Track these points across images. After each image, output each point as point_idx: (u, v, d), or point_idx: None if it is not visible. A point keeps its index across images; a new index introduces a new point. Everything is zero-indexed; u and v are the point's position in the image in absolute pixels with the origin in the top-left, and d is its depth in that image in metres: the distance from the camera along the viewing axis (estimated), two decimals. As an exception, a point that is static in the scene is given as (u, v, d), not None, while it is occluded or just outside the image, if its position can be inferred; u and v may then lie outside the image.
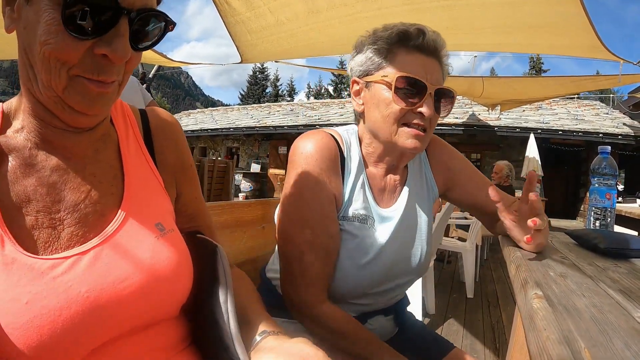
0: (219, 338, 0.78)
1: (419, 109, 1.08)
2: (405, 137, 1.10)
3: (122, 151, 0.82)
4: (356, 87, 1.18)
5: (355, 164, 1.17)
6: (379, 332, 1.21)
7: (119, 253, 0.71)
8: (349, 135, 1.21)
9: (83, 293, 0.64)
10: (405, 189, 1.24)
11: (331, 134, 1.17)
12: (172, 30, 0.73)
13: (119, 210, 0.75)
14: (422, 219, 1.26)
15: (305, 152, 1.12)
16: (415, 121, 1.09)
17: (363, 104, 1.17)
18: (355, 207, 1.15)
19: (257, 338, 0.80)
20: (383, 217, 1.18)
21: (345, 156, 1.16)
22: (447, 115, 1.16)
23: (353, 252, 1.13)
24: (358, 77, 1.17)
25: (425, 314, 3.90)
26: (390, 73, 1.09)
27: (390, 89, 1.08)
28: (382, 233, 1.16)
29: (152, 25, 0.70)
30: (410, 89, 1.07)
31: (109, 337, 0.68)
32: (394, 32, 1.10)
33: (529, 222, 0.96)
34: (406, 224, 1.22)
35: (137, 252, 0.73)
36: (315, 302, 1.10)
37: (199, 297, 0.85)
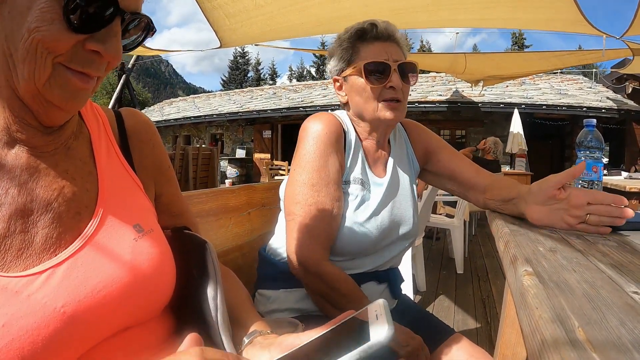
0: (207, 334, 0.76)
1: (389, 84, 1.28)
2: (385, 110, 1.30)
3: (94, 148, 0.79)
4: (337, 84, 1.41)
5: (352, 139, 1.36)
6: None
7: (98, 257, 0.68)
8: (343, 117, 1.40)
9: (59, 308, 0.61)
10: (391, 160, 1.43)
11: (334, 115, 1.36)
12: (152, 36, 0.75)
13: (97, 208, 0.72)
14: (407, 186, 1.45)
15: (316, 128, 1.29)
16: (389, 95, 1.29)
17: (346, 95, 1.39)
18: (355, 173, 1.33)
19: (246, 340, 0.80)
20: (377, 184, 1.37)
21: (346, 132, 1.35)
22: (415, 82, 1.36)
23: (355, 213, 1.29)
24: (337, 75, 1.39)
25: (416, 291, 3.93)
26: (359, 64, 1.30)
27: (362, 76, 1.29)
28: (376, 196, 1.34)
29: (137, 29, 0.72)
30: (377, 71, 1.28)
31: (95, 343, 0.66)
32: (353, 32, 1.34)
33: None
34: (394, 189, 1.40)
35: (116, 255, 0.70)
36: (320, 260, 1.23)
37: (186, 293, 0.83)
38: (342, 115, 1.40)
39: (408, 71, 1.32)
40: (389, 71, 1.27)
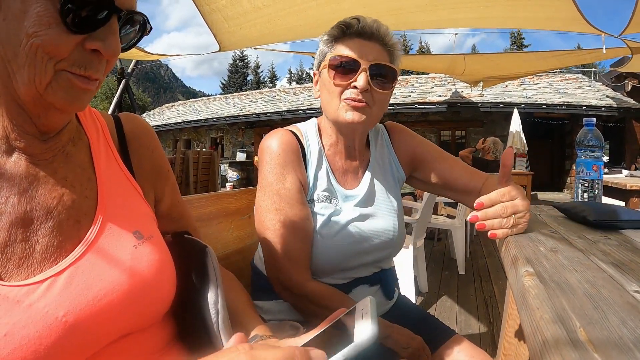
0: (208, 339, 0.76)
1: (354, 84, 1.17)
2: (345, 111, 1.19)
3: (93, 154, 0.79)
4: (315, 78, 1.32)
5: (315, 153, 1.28)
6: None
7: (98, 265, 0.68)
8: (307, 128, 1.33)
9: (60, 317, 0.61)
10: (368, 172, 1.35)
11: (291, 130, 1.29)
12: (148, 34, 0.74)
13: (96, 215, 0.72)
14: (388, 197, 1.37)
15: (270, 149, 1.23)
16: (352, 95, 1.18)
17: (319, 90, 1.30)
18: (320, 190, 1.26)
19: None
20: (347, 197, 1.29)
21: (305, 148, 1.28)
22: (391, 90, 1.26)
23: (322, 229, 1.23)
24: (316, 69, 1.31)
25: (418, 292, 3.92)
26: (329, 56, 1.21)
27: (328, 70, 1.20)
28: (347, 210, 1.27)
29: (133, 27, 0.71)
30: (345, 67, 1.18)
31: (96, 350, 0.66)
32: (337, 25, 1.23)
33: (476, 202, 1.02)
34: (370, 202, 1.33)
35: (116, 262, 0.70)
36: (303, 280, 1.20)
37: (187, 298, 0.83)
38: (305, 126, 1.33)
39: (384, 76, 1.21)
40: (357, 70, 1.17)
